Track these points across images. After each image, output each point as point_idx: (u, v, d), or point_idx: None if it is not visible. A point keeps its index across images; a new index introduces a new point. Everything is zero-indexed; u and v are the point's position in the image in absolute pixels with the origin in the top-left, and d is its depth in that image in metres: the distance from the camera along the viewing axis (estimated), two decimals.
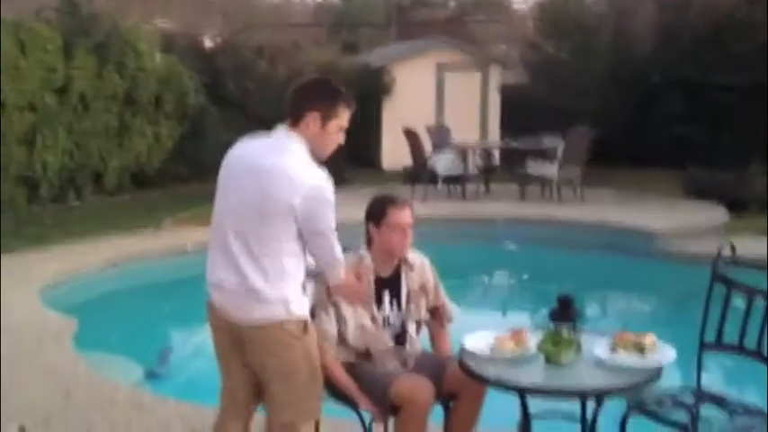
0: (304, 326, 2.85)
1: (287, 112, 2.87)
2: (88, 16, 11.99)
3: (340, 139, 2.90)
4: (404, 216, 3.28)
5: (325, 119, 2.83)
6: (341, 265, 2.92)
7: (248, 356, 2.88)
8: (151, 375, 5.29)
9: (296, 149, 2.80)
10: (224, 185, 2.91)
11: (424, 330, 3.53)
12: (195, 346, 6.33)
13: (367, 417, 3.26)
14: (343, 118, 2.88)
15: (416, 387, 3.11)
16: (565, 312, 2.95)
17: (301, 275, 2.87)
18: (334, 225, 2.82)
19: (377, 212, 3.30)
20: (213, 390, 3.12)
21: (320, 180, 2.76)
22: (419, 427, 3.11)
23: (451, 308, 3.55)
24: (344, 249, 3.29)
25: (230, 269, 2.80)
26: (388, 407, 3.14)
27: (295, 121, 2.84)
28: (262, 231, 2.75)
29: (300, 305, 2.85)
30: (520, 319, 7.49)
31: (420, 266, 3.43)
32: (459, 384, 3.14)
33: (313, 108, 2.82)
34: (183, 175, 13.43)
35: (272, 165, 2.76)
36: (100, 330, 6.38)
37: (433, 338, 3.55)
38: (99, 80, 11.75)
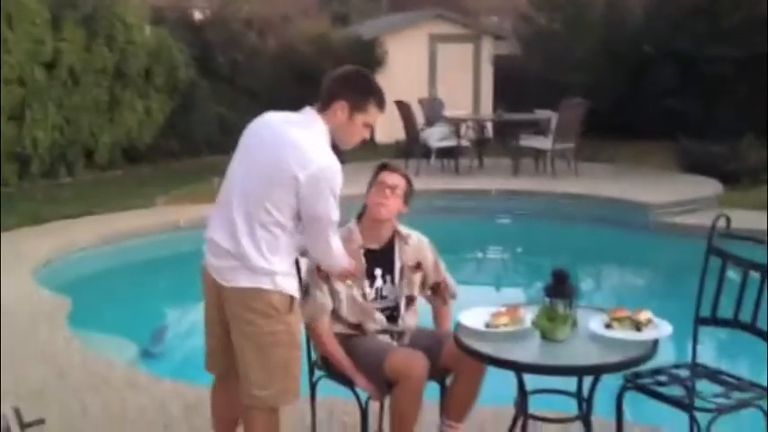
0: (290, 302, 2.85)
1: (319, 96, 2.89)
2: None
3: (365, 133, 2.93)
4: (390, 177, 3.30)
5: (353, 111, 2.85)
6: (333, 259, 2.96)
7: (229, 321, 2.89)
8: (146, 354, 5.28)
9: (316, 129, 2.83)
10: (240, 150, 2.94)
11: (426, 309, 3.52)
12: (190, 324, 6.31)
13: (363, 395, 3.25)
14: (371, 114, 2.89)
15: (411, 360, 3.11)
16: (560, 287, 2.93)
17: (294, 253, 2.88)
18: (334, 216, 2.82)
19: (373, 175, 3.36)
20: None
21: (330, 164, 2.78)
22: (415, 401, 3.10)
23: (453, 285, 3.54)
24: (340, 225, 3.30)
25: (227, 231, 2.82)
26: (383, 382, 3.14)
27: (324, 106, 2.87)
28: (263, 200, 2.77)
29: (288, 281, 2.85)
30: (514, 292, 7.51)
31: (417, 243, 3.42)
32: (455, 361, 3.13)
33: (343, 97, 2.84)
34: (175, 151, 13.36)
35: (288, 136, 2.79)
36: (94, 309, 6.36)
37: (436, 316, 3.55)
38: (88, 54, 11.62)
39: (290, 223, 2.81)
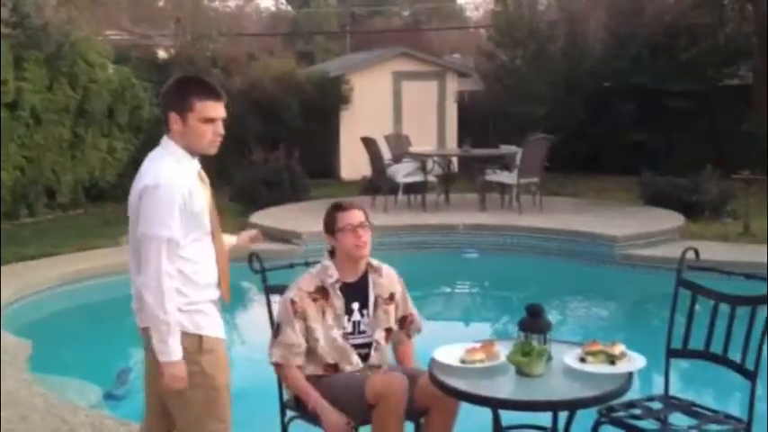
0: (198, 342, 2.74)
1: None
2: (38, 28, 11.73)
3: (216, 129, 2.78)
4: (352, 217, 3.29)
5: (183, 114, 2.76)
6: (156, 299, 2.63)
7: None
8: (109, 397, 5.15)
9: (163, 152, 2.78)
10: None
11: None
12: None
13: None
14: (202, 110, 2.76)
15: (390, 379, 3.09)
16: (535, 322, 2.92)
17: (191, 290, 2.73)
18: (163, 233, 2.62)
19: (329, 223, 3.33)
20: None
21: (160, 179, 2.66)
22: (396, 421, 3.06)
23: (419, 319, 3.53)
24: (313, 263, 3.26)
25: (132, 280, 2.81)
26: (365, 411, 3.08)
27: (166, 127, 2.82)
28: (136, 243, 2.73)
29: (192, 320, 2.74)
30: (482, 327, 7.50)
31: (388, 275, 3.42)
32: (430, 397, 3.10)
33: (169, 109, 2.78)
34: None
35: (138, 172, 2.79)
36: (56, 351, 6.21)
37: (398, 350, 3.52)
38: (50, 93, 11.51)
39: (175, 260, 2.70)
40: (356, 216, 3.29)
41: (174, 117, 2.76)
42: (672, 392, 3.39)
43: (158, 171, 2.68)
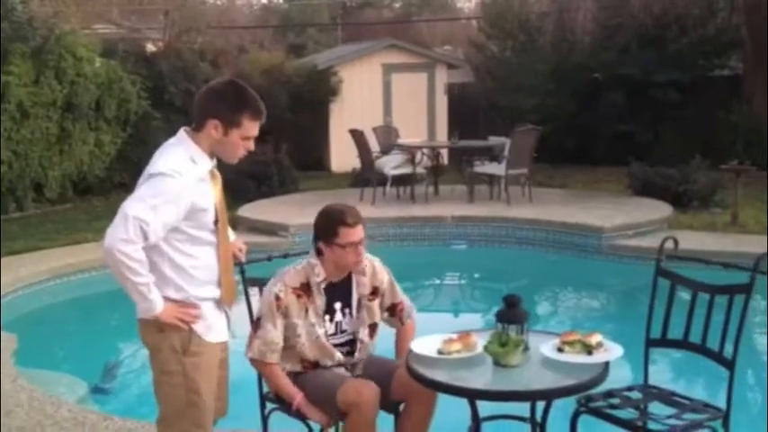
0: (187, 341, 2.71)
1: (193, 114, 2.77)
2: (23, 21, 11.65)
3: (249, 146, 2.77)
4: (356, 234, 3.15)
5: (228, 127, 2.70)
6: (114, 256, 2.56)
7: None
8: (97, 391, 5.14)
9: (181, 147, 2.69)
10: None
11: (389, 331, 3.47)
12: (142, 359, 6.19)
13: (316, 426, 3.20)
14: (247, 128, 2.72)
15: (361, 388, 3.08)
16: (511, 313, 2.92)
17: (190, 285, 2.72)
18: (139, 213, 2.54)
19: (327, 231, 3.16)
20: None
21: (167, 170, 2.60)
22: (368, 430, 3.06)
23: (410, 305, 3.46)
24: (292, 255, 3.24)
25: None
26: (337, 414, 3.10)
27: (197, 126, 2.73)
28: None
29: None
30: (471, 318, 7.52)
31: (371, 269, 3.33)
32: (407, 388, 3.09)
33: (214, 116, 2.69)
34: (127, 182, 13.16)
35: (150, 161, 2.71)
36: (42, 346, 6.19)
37: (398, 338, 3.46)
38: (37, 87, 11.44)
39: (173, 252, 2.67)
40: (359, 232, 3.16)
41: (215, 124, 2.68)
42: (653, 382, 3.39)
43: (167, 163, 2.62)
